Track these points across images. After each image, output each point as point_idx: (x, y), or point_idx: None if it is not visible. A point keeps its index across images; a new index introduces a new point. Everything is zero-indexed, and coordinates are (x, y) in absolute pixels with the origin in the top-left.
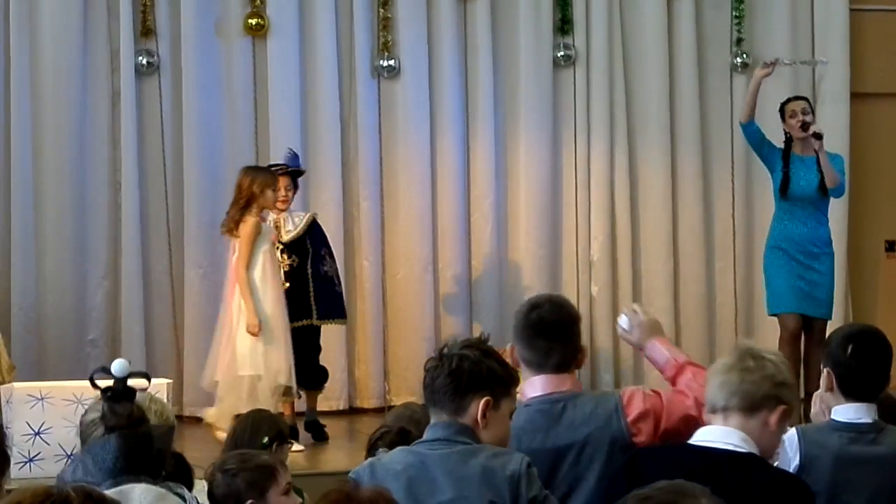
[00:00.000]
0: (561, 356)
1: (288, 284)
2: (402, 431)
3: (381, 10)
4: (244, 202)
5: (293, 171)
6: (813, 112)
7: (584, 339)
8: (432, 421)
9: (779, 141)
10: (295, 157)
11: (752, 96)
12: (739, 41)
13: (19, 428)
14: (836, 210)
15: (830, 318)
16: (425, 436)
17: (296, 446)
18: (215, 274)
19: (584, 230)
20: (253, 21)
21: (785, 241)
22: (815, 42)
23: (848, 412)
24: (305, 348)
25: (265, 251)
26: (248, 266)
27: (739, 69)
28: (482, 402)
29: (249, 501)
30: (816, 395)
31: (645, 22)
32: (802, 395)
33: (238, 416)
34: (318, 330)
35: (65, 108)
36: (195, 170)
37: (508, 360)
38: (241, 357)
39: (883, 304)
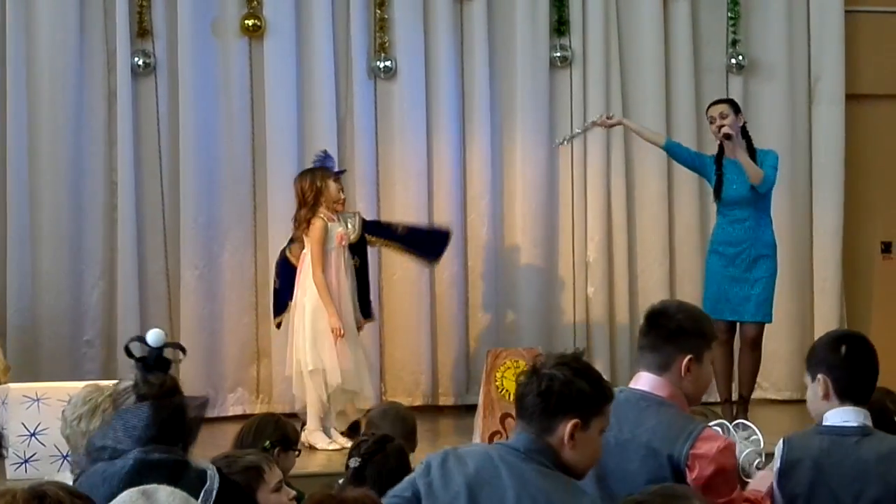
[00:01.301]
0: (654, 356)
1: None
2: (382, 440)
3: (378, 11)
4: (313, 200)
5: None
6: (738, 112)
7: (580, 340)
8: (518, 429)
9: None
10: (331, 157)
11: (640, 132)
12: (735, 42)
13: (15, 429)
14: (832, 212)
15: (769, 321)
16: (509, 440)
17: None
18: (211, 274)
19: (580, 231)
20: (249, 22)
21: (723, 244)
22: (811, 43)
23: (836, 416)
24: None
25: (330, 251)
26: (323, 268)
27: (735, 70)
28: (570, 424)
29: None
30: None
31: (641, 23)
32: (735, 397)
33: (248, 418)
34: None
35: (61, 109)
36: (191, 170)
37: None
38: (301, 353)
39: (878, 306)
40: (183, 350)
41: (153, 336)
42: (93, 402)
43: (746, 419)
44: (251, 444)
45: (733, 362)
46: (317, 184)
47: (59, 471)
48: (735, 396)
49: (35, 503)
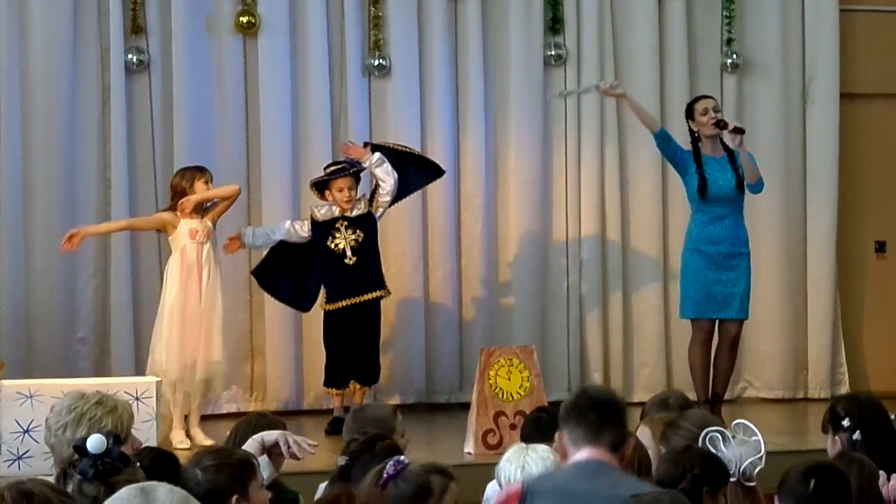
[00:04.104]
0: (613, 435)
1: (355, 259)
2: (372, 439)
3: (372, 9)
4: (175, 198)
5: (355, 171)
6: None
7: (574, 337)
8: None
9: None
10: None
11: (639, 109)
12: (730, 41)
13: (8, 425)
14: (826, 211)
15: (747, 317)
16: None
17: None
18: None
19: (574, 229)
20: (244, 19)
21: (704, 242)
22: (805, 42)
23: None
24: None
25: (183, 248)
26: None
27: (730, 69)
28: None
29: (235, 497)
30: None
31: (636, 22)
32: (709, 397)
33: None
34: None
35: (54, 106)
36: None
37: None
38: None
39: (872, 305)
40: (125, 461)
41: (92, 443)
42: (78, 410)
43: (722, 417)
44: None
45: (710, 363)
46: (183, 184)
47: (52, 468)
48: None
49: (23, 502)
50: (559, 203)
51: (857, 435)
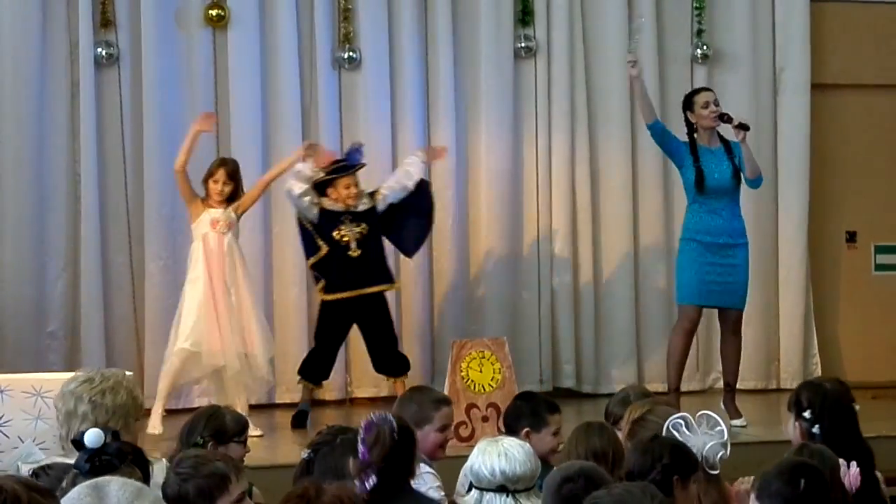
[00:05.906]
0: None
1: (360, 251)
2: (335, 432)
3: (342, 1)
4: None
5: (353, 167)
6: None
7: (545, 330)
8: None
9: (681, 134)
10: (355, 151)
11: (643, 97)
12: (700, 32)
13: None
14: (797, 201)
15: (744, 307)
16: None
17: (255, 431)
18: (175, 266)
19: (545, 222)
20: (213, 12)
21: (700, 233)
22: (776, 33)
23: None
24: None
25: (204, 235)
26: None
27: (700, 60)
28: None
29: None
30: None
31: (606, 13)
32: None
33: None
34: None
35: (24, 100)
36: (155, 161)
37: None
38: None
39: (844, 294)
40: (122, 457)
41: (90, 437)
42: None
43: (737, 407)
44: (185, 441)
45: (688, 352)
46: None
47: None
48: (698, 384)
49: None
50: (530, 196)
51: (815, 429)
